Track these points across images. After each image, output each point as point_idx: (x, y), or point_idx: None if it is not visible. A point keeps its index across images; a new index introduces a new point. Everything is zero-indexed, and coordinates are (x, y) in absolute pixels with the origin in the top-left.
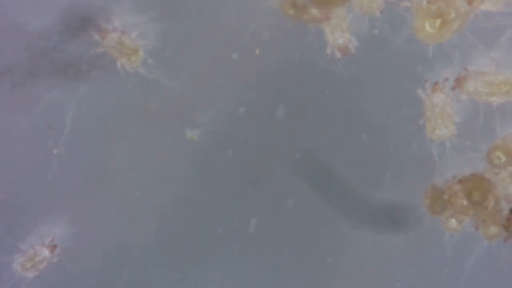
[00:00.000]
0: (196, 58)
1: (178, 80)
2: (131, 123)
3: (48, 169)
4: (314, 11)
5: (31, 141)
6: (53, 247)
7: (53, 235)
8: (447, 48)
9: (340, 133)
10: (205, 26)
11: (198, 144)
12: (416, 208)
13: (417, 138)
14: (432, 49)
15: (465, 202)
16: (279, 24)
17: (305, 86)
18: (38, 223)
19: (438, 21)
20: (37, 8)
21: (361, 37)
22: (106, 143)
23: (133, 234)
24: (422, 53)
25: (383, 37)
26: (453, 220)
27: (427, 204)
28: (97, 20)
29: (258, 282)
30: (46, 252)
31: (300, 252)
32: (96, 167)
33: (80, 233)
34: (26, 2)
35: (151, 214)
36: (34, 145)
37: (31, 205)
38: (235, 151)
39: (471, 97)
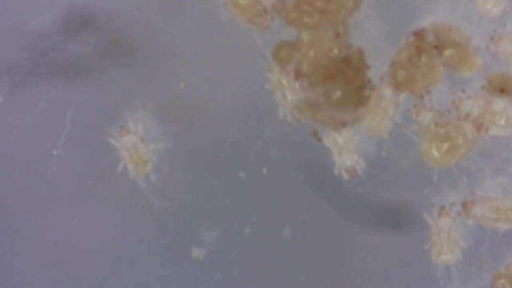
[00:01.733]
0: (203, 176)
1: (183, 199)
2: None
3: (47, 169)
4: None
5: (31, 141)
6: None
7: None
8: (454, 171)
9: (342, 258)
10: (212, 144)
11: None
12: (416, 209)
13: (423, 262)
14: (439, 173)
15: None
16: (287, 142)
17: (311, 207)
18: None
19: (445, 146)
20: (37, 8)
21: (368, 158)
22: (106, 143)
23: (132, 234)
24: (429, 176)
25: (390, 159)
26: None
27: None
28: (97, 20)
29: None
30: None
31: (299, 252)
32: (96, 167)
33: (79, 233)
34: (26, 2)
35: (151, 214)
36: (34, 145)
37: (31, 205)
38: (241, 271)
39: (478, 222)
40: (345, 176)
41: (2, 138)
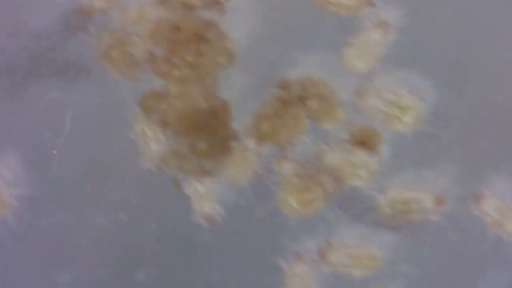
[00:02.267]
0: (63, 221)
1: (40, 243)
2: (131, 123)
3: (47, 169)
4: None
5: (31, 141)
6: None
7: None
8: (312, 219)
9: None
10: (74, 193)
11: None
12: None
13: None
14: (296, 220)
15: None
16: (148, 191)
17: (169, 252)
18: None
19: (304, 197)
20: (37, 8)
21: (227, 206)
22: (106, 143)
23: (132, 235)
24: (287, 223)
25: (249, 207)
26: None
27: None
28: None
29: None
30: None
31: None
32: (96, 167)
33: (79, 233)
34: (26, 2)
35: (150, 214)
36: (34, 145)
37: (31, 205)
38: None
39: (334, 269)
40: (204, 223)
41: (2, 138)
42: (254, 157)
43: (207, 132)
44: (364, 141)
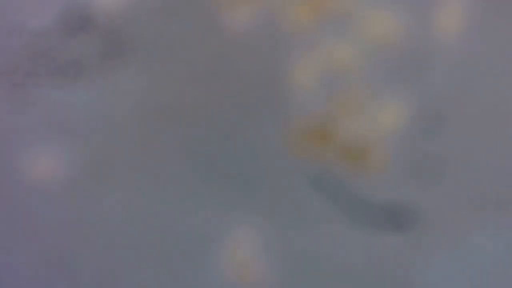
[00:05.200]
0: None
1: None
2: (131, 123)
3: (48, 169)
4: None
5: (31, 141)
6: None
7: None
8: None
9: None
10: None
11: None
12: (416, 208)
13: None
14: None
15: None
16: None
17: None
18: (38, 221)
19: None
20: (37, 8)
21: None
22: (106, 143)
23: (132, 234)
24: None
25: None
26: None
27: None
28: (97, 20)
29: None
30: None
31: (300, 250)
32: (96, 167)
33: (79, 232)
34: (26, 2)
35: (150, 214)
36: (34, 145)
37: (31, 205)
38: None
39: None
40: None
41: (2, 138)
42: None
43: None
44: None
